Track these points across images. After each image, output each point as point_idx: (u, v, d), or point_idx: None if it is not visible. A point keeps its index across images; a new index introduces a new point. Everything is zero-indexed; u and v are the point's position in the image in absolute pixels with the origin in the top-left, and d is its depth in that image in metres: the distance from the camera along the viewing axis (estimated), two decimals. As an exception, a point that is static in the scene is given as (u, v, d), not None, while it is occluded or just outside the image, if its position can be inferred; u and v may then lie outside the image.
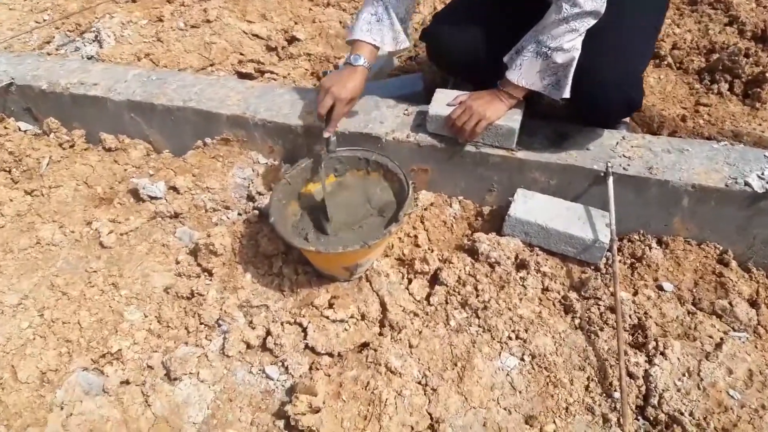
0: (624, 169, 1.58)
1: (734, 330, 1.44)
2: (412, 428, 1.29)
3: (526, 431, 1.29)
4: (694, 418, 1.26)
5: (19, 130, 2.25)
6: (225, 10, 2.78)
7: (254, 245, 1.71)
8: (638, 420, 1.30)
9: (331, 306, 1.53)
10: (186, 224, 1.84)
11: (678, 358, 1.35)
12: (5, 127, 2.21)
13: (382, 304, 1.55)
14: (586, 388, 1.35)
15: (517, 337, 1.45)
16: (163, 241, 1.79)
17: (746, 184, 1.50)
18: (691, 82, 2.29)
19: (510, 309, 1.50)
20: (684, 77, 2.33)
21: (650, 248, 1.61)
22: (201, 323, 1.54)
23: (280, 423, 1.33)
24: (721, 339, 1.40)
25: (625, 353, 1.37)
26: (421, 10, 2.86)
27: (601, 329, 1.45)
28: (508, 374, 1.39)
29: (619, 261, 1.61)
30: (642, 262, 1.60)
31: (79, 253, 1.78)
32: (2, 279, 1.69)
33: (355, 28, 1.65)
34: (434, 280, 1.61)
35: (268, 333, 1.49)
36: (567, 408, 1.31)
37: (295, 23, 2.78)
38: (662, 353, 1.36)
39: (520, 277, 1.57)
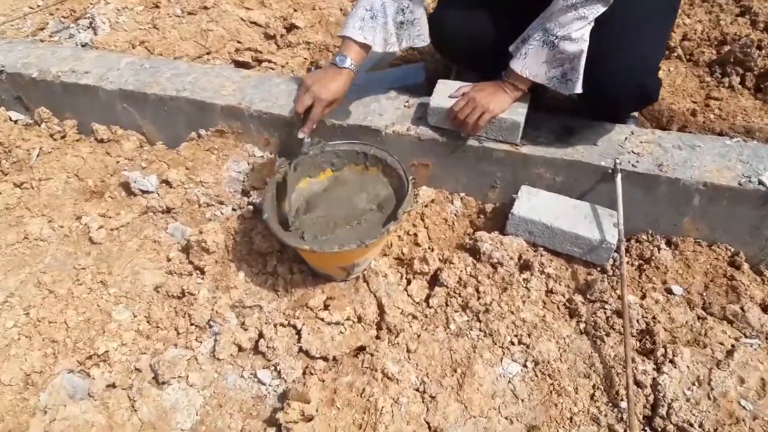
0: (633, 165, 1.52)
1: (746, 336, 1.38)
2: (409, 437, 1.24)
3: (528, 441, 1.24)
4: (704, 430, 1.20)
5: (10, 119, 2.19)
6: (223, -4, 2.71)
7: (248, 242, 1.66)
8: (645, 431, 1.24)
9: (326, 307, 1.48)
10: (178, 220, 1.79)
11: (687, 366, 1.30)
12: (-5, 117, 2.15)
13: (380, 306, 1.49)
14: (592, 396, 1.30)
15: (519, 342, 1.39)
16: (154, 237, 1.74)
17: (760, 182, 1.43)
18: (701, 74, 2.22)
19: (513, 312, 1.44)
20: (694, 70, 2.25)
21: (659, 249, 1.55)
22: (191, 324, 1.49)
23: (272, 431, 1.27)
24: (733, 346, 1.35)
25: (633, 360, 1.31)
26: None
27: (608, 334, 1.39)
28: (510, 381, 1.33)
29: (627, 262, 1.55)
30: (650, 264, 1.54)
31: (68, 249, 1.73)
32: (-12, 276, 1.65)
33: (347, 22, 1.54)
34: (434, 280, 1.55)
35: (261, 335, 1.44)
36: (571, 418, 1.26)
37: (295, 10, 2.70)
38: (671, 361, 1.30)
39: (524, 279, 1.51)
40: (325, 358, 1.40)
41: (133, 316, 1.53)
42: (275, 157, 1.89)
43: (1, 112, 2.18)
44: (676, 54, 2.29)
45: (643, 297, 1.47)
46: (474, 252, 1.58)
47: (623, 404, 1.27)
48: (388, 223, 1.44)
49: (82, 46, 2.57)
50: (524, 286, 1.50)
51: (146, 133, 2.07)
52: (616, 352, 1.36)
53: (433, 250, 1.63)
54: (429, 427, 1.26)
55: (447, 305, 1.48)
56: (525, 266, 1.54)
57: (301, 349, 1.41)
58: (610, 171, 1.53)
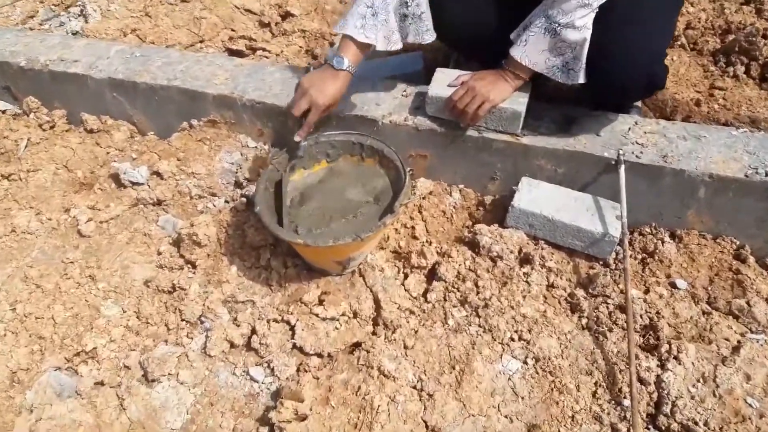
0: (637, 156, 1.48)
1: (752, 332, 1.35)
2: (406, 437, 1.21)
3: (529, 440, 1.20)
4: (709, 428, 1.17)
5: (-2, 109, 2.14)
6: (216, -17, 2.64)
7: (241, 235, 1.61)
8: (649, 429, 1.21)
9: (321, 303, 1.44)
10: (169, 212, 1.74)
11: (692, 363, 1.26)
12: (-18, 107, 2.10)
13: (376, 301, 1.45)
14: (594, 394, 1.26)
15: (519, 338, 1.35)
16: (144, 230, 1.69)
17: (767, 174, 1.39)
18: (705, 64, 2.18)
19: (512, 307, 1.40)
20: (698, 59, 2.21)
21: (663, 242, 1.51)
22: (182, 320, 1.44)
23: (264, 430, 1.23)
24: (739, 342, 1.31)
25: (636, 357, 1.27)
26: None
27: (610, 330, 1.35)
28: (509, 379, 1.29)
29: (630, 256, 1.51)
30: (654, 258, 1.50)
31: (56, 243, 1.68)
32: (-26, 270, 1.60)
33: (347, 19, 1.45)
34: (432, 275, 1.51)
35: (254, 331, 1.40)
36: (573, 416, 1.22)
37: (290, -3, 2.64)
38: (675, 357, 1.27)
39: (524, 273, 1.47)
40: (319, 355, 1.36)
41: (122, 311, 1.49)
42: (269, 148, 1.84)
43: (-11, 102, 2.13)
44: (679, 43, 2.25)
45: (647, 291, 1.43)
46: (473, 245, 1.54)
47: (626, 402, 1.23)
48: (385, 216, 1.40)
49: (73, 34, 2.51)
50: (524, 280, 1.46)
51: (137, 123, 2.02)
52: (619, 348, 1.32)
53: (431, 243, 1.58)
54: (426, 426, 1.22)
55: (445, 300, 1.44)
56: (525, 260, 1.50)
57: (294, 346, 1.37)
58: (613, 162, 1.49)
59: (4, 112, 2.13)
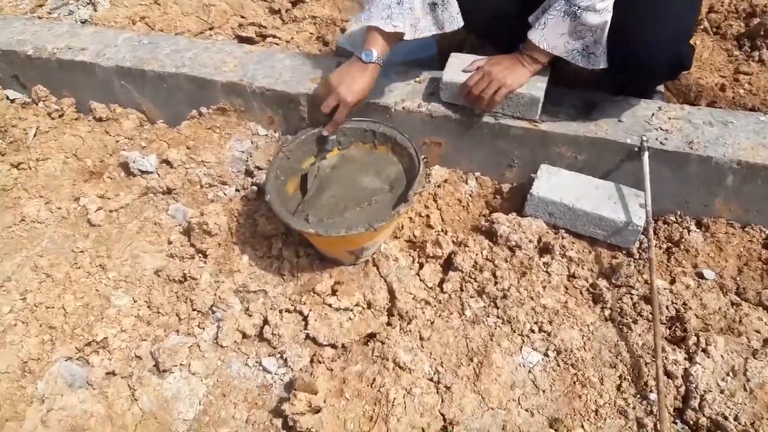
0: (661, 143, 1.42)
1: (783, 324, 1.30)
2: (423, 431, 1.17)
3: (550, 435, 1.16)
4: (740, 423, 1.13)
5: (7, 98, 2.11)
6: (226, -31, 2.60)
7: (252, 224, 1.58)
8: (676, 424, 1.17)
9: (334, 293, 1.40)
10: (180, 201, 1.71)
11: (721, 356, 1.21)
12: (-9, 96, 2.08)
13: (391, 292, 1.41)
14: (618, 388, 1.22)
15: (540, 330, 1.31)
16: (154, 219, 1.66)
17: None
18: (729, 48, 2.11)
19: (532, 298, 1.36)
20: (722, 43, 2.14)
21: (689, 231, 1.46)
22: (193, 310, 1.42)
23: (278, 422, 1.21)
24: (770, 334, 1.26)
25: (663, 349, 1.23)
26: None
27: (635, 322, 1.30)
28: (530, 371, 1.25)
29: (654, 245, 1.46)
30: (680, 247, 1.45)
31: (66, 232, 1.66)
32: (-17, 259, 1.58)
33: (372, 10, 1.40)
34: (448, 265, 1.47)
35: (266, 321, 1.37)
36: (596, 410, 1.18)
37: (301, -17, 2.60)
38: (704, 350, 1.22)
39: (544, 263, 1.42)
40: (333, 346, 1.33)
41: (133, 301, 1.46)
42: (279, 135, 1.80)
43: (-2, 91, 2.11)
44: (702, 27, 2.19)
45: (673, 282, 1.38)
46: (490, 234, 1.50)
47: (652, 396, 1.19)
48: (399, 205, 1.36)
49: (82, 22, 2.49)
50: (544, 270, 1.41)
51: (146, 112, 1.99)
52: (644, 340, 1.28)
53: (446, 232, 1.54)
54: (444, 419, 1.19)
55: (462, 290, 1.40)
56: (545, 249, 1.46)
57: (308, 336, 1.34)
58: (636, 149, 1.44)
59: (12, 100, 2.11)
